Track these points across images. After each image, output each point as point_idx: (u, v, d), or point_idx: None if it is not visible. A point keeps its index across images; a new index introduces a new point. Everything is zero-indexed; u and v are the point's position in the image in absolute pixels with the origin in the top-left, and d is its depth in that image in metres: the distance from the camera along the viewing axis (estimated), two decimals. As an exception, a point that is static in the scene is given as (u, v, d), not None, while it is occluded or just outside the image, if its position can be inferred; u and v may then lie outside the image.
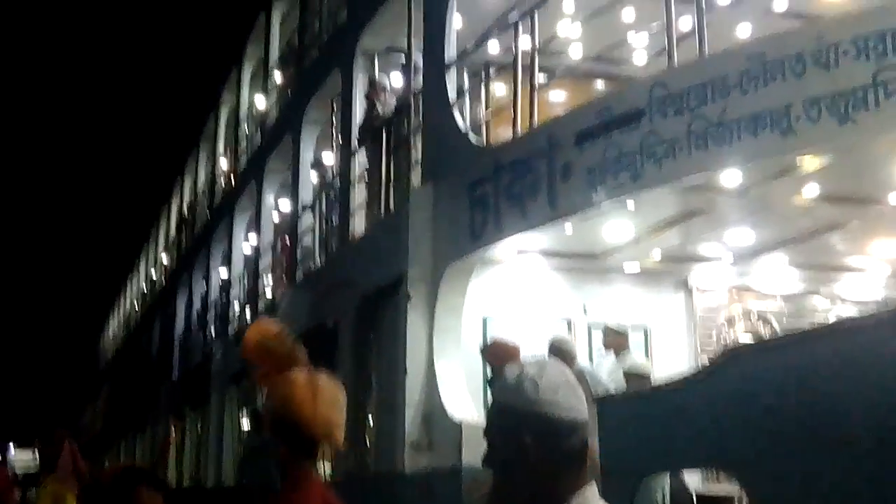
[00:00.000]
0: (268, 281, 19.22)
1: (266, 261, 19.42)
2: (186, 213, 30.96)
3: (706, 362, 8.69)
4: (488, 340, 8.89)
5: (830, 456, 5.43)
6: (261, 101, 22.02)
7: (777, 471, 5.78)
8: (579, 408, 2.51)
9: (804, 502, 5.64)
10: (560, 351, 9.05)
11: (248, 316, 20.19)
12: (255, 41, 23.11)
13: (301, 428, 3.88)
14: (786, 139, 7.35)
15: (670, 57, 8.62)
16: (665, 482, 8.91)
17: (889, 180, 8.73)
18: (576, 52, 12.37)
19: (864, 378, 5.34)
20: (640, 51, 12.15)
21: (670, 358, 11.27)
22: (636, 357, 10.17)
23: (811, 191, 9.08)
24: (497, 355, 8.24)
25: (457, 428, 9.89)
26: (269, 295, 18.95)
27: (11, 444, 40.76)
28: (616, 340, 10.14)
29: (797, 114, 7.24)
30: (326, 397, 3.93)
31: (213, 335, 23.69)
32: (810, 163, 8.15)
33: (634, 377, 9.55)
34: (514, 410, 2.50)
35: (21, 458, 36.42)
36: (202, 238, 27.02)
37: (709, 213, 9.66)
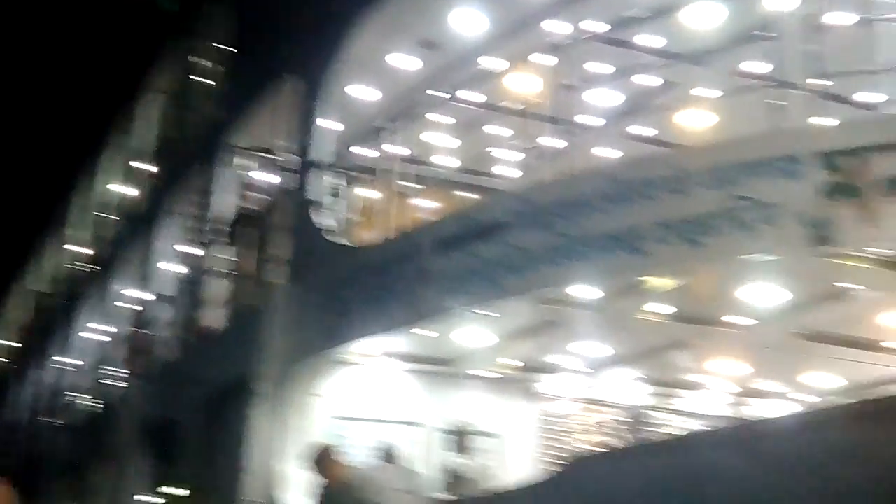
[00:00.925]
0: (116, 371, 18.59)
1: (116, 351, 18.82)
2: (36, 298, 29.87)
3: (553, 469, 8.75)
4: (316, 446, 8.76)
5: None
6: (122, 191, 21.62)
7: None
8: None
9: None
10: (388, 454, 9.11)
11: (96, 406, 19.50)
12: (119, 130, 22.73)
13: None
14: (637, 259, 7.58)
15: (533, 173, 8.85)
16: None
17: (732, 304, 9.06)
18: (445, 163, 12.59)
19: (700, 490, 5.44)
20: (506, 165, 12.45)
21: (520, 464, 11.32)
22: (474, 459, 10.16)
23: (660, 309, 9.35)
24: (322, 460, 8.14)
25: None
26: (118, 385, 18.33)
27: None
28: (459, 441, 10.16)
29: (649, 236, 7.49)
30: None
31: (52, 425, 22.74)
32: (660, 283, 8.42)
33: (464, 479, 9.57)
34: None
35: None
36: (50, 322, 26.05)
37: (562, 326, 9.83)
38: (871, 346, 10.23)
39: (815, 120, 7.65)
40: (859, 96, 10.32)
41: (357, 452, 10.16)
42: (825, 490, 4.86)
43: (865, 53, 8.25)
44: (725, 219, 7.20)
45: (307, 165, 11.75)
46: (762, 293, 8.40)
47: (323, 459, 8.17)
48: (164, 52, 19.92)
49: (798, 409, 11.59)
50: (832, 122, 7.86)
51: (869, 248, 7.44)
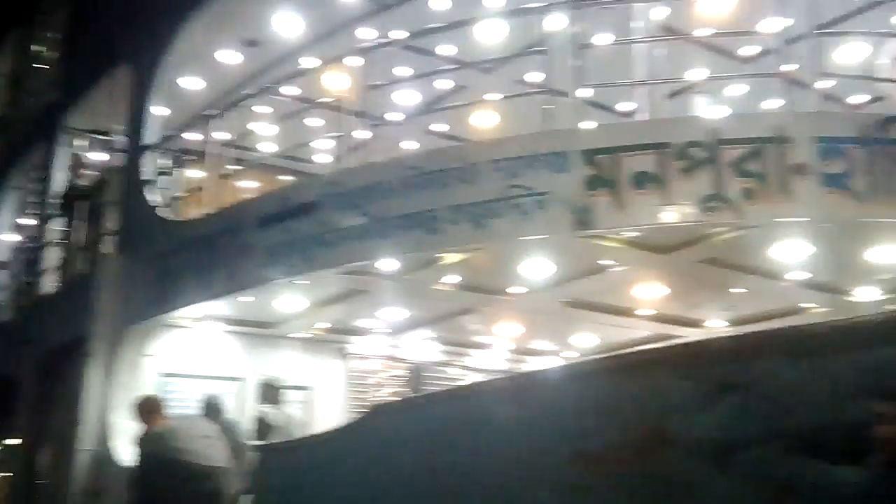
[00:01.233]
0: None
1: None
2: None
3: (356, 417, 8.79)
4: (139, 398, 8.50)
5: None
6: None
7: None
8: (216, 457, 2.47)
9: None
10: (210, 406, 8.97)
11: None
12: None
13: None
14: (432, 237, 7.72)
15: (343, 160, 8.83)
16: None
17: (511, 276, 9.32)
18: (265, 148, 12.44)
19: (479, 431, 5.57)
20: (320, 153, 12.39)
21: (330, 413, 11.37)
22: (284, 409, 10.07)
23: (452, 280, 9.53)
24: (144, 410, 7.91)
25: (125, 473, 9.34)
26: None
27: None
28: (269, 394, 10.05)
29: (442, 217, 7.63)
30: None
31: None
32: (451, 258, 8.57)
33: (275, 427, 9.52)
34: (156, 458, 2.43)
35: None
36: None
37: (368, 293, 9.89)
38: (624, 312, 10.77)
39: (580, 123, 7.93)
40: (618, 105, 10.80)
41: (183, 405, 9.94)
42: (582, 430, 5.07)
43: (622, 69, 8.59)
44: (505, 204, 7.41)
45: (139, 147, 11.40)
46: (536, 268, 8.66)
47: (144, 409, 7.93)
48: (3, 37, 18.71)
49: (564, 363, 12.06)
50: (593, 125, 8.18)
51: (621, 231, 7.80)
